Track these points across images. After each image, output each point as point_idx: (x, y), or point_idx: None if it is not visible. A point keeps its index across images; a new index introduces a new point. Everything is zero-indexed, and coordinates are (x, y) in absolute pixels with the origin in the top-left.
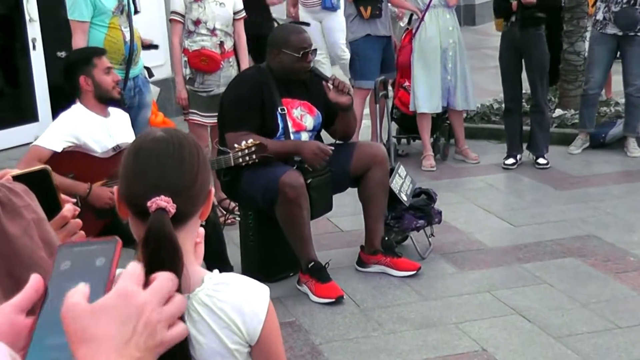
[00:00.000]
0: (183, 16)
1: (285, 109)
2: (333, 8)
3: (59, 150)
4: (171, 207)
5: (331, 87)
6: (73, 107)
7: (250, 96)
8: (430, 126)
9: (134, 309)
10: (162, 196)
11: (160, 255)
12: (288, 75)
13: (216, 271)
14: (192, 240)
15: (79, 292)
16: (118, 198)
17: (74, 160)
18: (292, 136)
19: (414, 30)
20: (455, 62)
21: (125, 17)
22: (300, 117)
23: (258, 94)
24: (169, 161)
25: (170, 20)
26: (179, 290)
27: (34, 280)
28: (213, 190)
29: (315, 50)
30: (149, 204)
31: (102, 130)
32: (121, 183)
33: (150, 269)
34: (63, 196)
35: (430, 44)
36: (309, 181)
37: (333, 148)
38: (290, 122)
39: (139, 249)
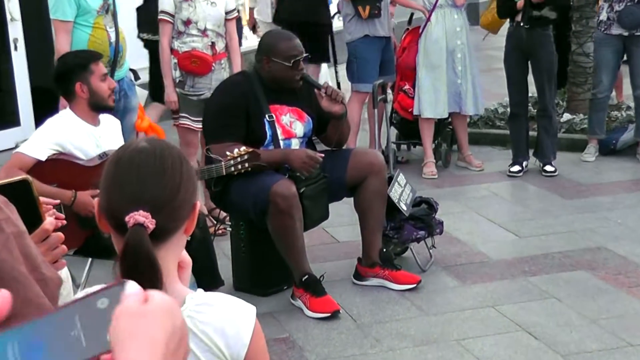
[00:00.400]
0: (172, 16)
1: (274, 115)
2: None
3: (43, 159)
4: (150, 223)
5: (324, 95)
6: (61, 112)
7: (233, 105)
8: (432, 132)
9: (173, 317)
10: (141, 211)
11: (138, 274)
12: (278, 84)
13: (200, 290)
14: (174, 258)
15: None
16: (98, 211)
17: (58, 168)
18: (281, 144)
19: (420, 31)
20: (465, 65)
21: (111, 16)
22: (290, 123)
23: (242, 102)
24: (149, 173)
25: (159, 20)
26: None
27: None
28: (199, 204)
29: (307, 56)
30: (126, 218)
31: (90, 140)
32: (101, 195)
33: None
34: (47, 200)
35: (436, 45)
36: (302, 190)
37: (323, 155)
38: (280, 130)
39: (117, 266)
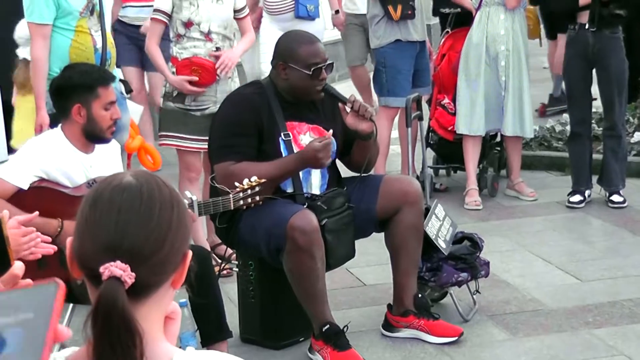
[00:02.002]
0: (169, 17)
1: (290, 134)
2: (309, 17)
3: (26, 187)
4: (128, 277)
5: (349, 110)
6: (49, 132)
7: (242, 121)
8: (478, 153)
9: None
10: (118, 262)
11: (110, 336)
12: (296, 95)
13: (190, 348)
14: (159, 315)
15: None
16: (70, 255)
17: (40, 197)
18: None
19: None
20: (508, 75)
21: (97, 18)
22: None
23: (253, 118)
24: (131, 218)
25: (151, 20)
26: None
27: None
28: (190, 254)
29: (332, 64)
30: (101, 269)
31: (79, 168)
32: (74, 238)
33: (98, 350)
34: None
35: (475, 51)
36: (323, 222)
37: (331, 132)
38: (297, 151)
39: (88, 324)
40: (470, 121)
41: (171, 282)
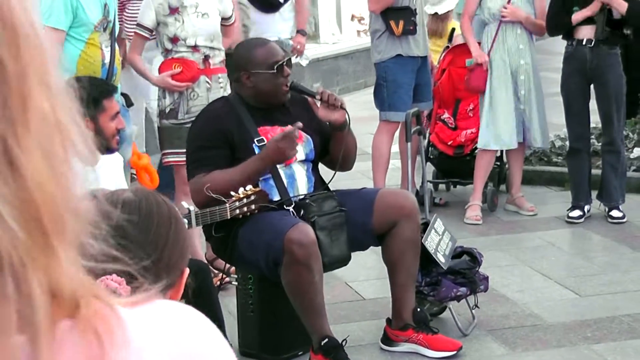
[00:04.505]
0: (151, 32)
1: (265, 139)
2: None
3: None
4: (123, 290)
5: (319, 102)
6: None
7: (209, 133)
8: (490, 168)
9: None
10: (114, 275)
11: None
12: (265, 99)
13: None
14: None
15: None
16: None
17: None
18: (280, 171)
19: (487, 49)
20: (529, 89)
21: (108, 34)
22: None
23: (221, 128)
24: (129, 232)
25: (134, 34)
26: None
27: None
28: (187, 271)
29: (290, 60)
30: (97, 282)
31: None
32: None
33: None
34: None
35: (497, 65)
36: (313, 219)
37: (300, 124)
38: None
39: None
40: (500, 135)
41: (168, 298)
